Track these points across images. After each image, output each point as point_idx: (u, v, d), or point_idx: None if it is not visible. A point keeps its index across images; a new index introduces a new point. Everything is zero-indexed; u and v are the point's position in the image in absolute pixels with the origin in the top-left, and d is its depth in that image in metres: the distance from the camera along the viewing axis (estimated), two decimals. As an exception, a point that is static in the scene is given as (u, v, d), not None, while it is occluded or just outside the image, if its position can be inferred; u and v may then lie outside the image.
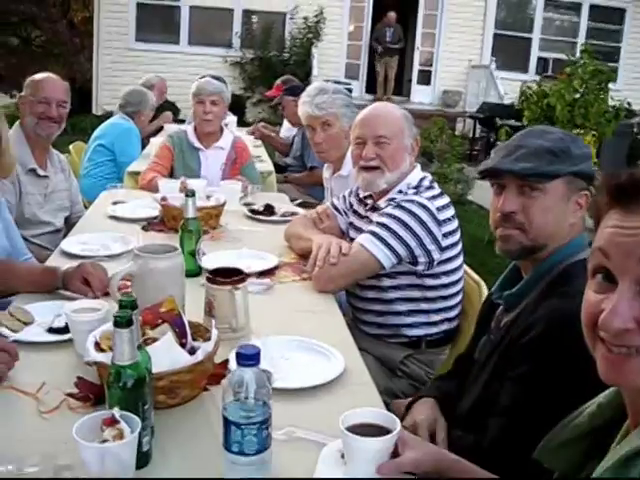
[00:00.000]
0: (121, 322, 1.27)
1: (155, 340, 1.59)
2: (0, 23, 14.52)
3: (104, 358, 1.53)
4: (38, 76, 3.33)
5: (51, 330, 1.96)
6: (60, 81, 3.36)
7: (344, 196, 2.84)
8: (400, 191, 2.53)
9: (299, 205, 3.71)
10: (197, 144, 4.08)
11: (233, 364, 1.72)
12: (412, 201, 2.42)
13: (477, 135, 13.05)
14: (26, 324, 2.00)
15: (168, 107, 7.95)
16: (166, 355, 1.50)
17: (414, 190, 2.50)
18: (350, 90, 8.96)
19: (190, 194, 2.36)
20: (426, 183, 2.54)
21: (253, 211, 3.34)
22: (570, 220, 1.71)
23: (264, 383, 1.26)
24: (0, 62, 13.78)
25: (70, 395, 1.62)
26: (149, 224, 3.13)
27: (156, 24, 14.41)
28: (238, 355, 1.24)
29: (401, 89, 15.49)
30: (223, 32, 14.26)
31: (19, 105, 3.32)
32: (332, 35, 14.26)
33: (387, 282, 2.49)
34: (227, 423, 1.26)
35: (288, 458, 1.39)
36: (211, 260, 2.52)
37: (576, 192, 1.70)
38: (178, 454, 1.41)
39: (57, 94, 3.28)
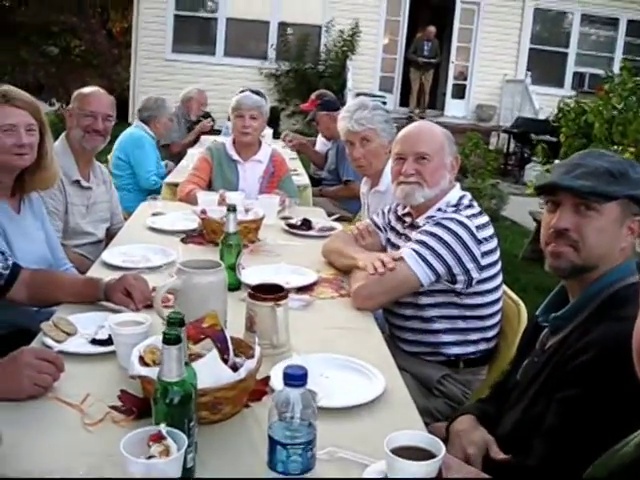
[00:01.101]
0: (170, 339, 1.29)
1: (199, 356, 1.61)
2: (41, 33, 14.79)
3: (149, 372, 1.55)
4: (86, 90, 3.40)
5: (94, 341, 1.99)
6: (106, 95, 3.42)
7: (383, 212, 2.85)
8: (439, 209, 2.53)
9: (336, 220, 3.71)
10: (235, 157, 4.11)
11: (274, 381, 1.75)
12: (451, 219, 2.42)
13: (511, 150, 12.97)
14: (69, 335, 2.03)
15: (204, 117, 8.03)
16: (210, 371, 1.51)
17: (454, 208, 2.50)
18: (384, 103, 8.98)
19: (232, 209, 2.38)
20: (465, 201, 2.54)
21: (291, 225, 3.36)
22: (621, 244, 1.70)
23: (310, 404, 1.27)
24: (40, 71, 14.03)
25: (114, 408, 1.64)
26: (188, 236, 3.16)
27: (193, 35, 14.60)
28: (285, 375, 1.25)
29: (435, 103, 15.47)
30: (259, 44, 14.39)
31: (66, 117, 3.39)
32: (367, 48, 14.31)
33: (425, 300, 2.49)
34: (272, 442, 1.27)
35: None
36: (250, 274, 2.53)
37: (630, 217, 1.70)
38: (221, 471, 1.42)
39: (103, 108, 3.34)
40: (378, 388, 1.78)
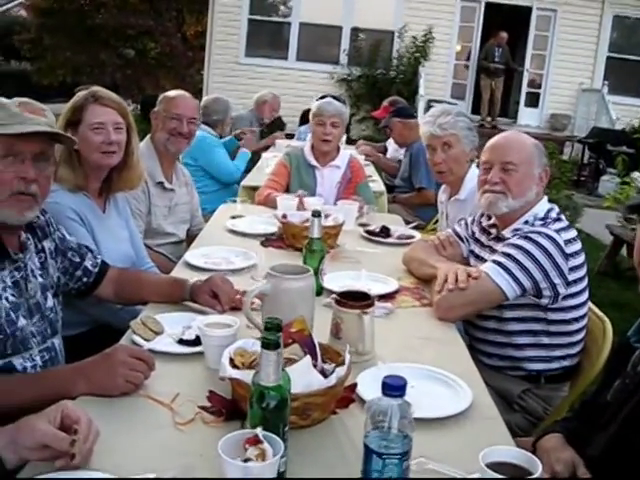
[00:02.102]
0: (269, 344, 1.30)
1: (288, 360, 1.62)
2: (118, 36, 15.20)
3: (240, 375, 1.57)
4: (172, 93, 3.47)
5: (181, 342, 2.02)
6: (192, 98, 3.49)
7: (466, 223, 2.82)
8: (526, 222, 2.48)
9: (414, 228, 3.69)
10: (314, 162, 4.13)
11: (361, 389, 1.74)
12: (539, 232, 2.37)
13: (585, 161, 12.69)
14: (157, 334, 2.07)
15: (275, 121, 8.09)
16: (302, 377, 1.52)
17: (541, 221, 2.45)
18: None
19: (316, 214, 2.39)
20: (553, 215, 2.49)
21: (369, 232, 3.35)
22: None
23: (407, 415, 1.26)
24: (117, 73, 14.40)
25: (203, 408, 1.66)
26: (267, 240, 3.19)
27: (266, 40, 14.74)
28: (385, 385, 1.25)
29: (507, 111, 15.25)
30: (331, 49, 14.44)
31: (151, 120, 3.46)
32: (439, 54, 14.20)
33: (509, 313, 2.45)
34: (368, 451, 1.26)
35: (421, 490, 1.38)
36: (331, 280, 2.54)
37: None
38: (309, 474, 1.42)
39: (189, 111, 3.41)
40: (465, 401, 1.76)
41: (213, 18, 14.25)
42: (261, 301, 2.01)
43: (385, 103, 7.20)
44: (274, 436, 1.28)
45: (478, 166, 3.29)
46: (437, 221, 5.49)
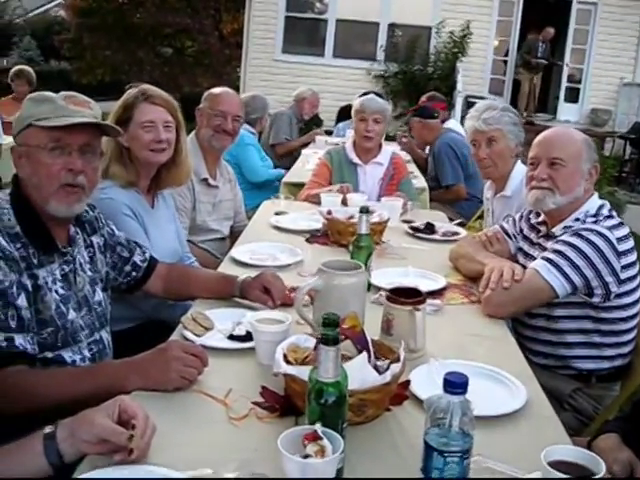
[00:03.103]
0: (328, 340, 1.29)
1: (342, 357, 1.61)
2: (156, 34, 15.32)
3: (295, 371, 1.56)
4: (216, 90, 3.48)
5: (232, 337, 2.02)
6: (236, 96, 3.50)
7: (514, 220, 2.78)
8: (577, 219, 2.44)
9: (458, 225, 3.66)
10: (356, 160, 4.11)
11: (414, 386, 1.73)
12: (591, 230, 2.33)
13: (627, 157, 12.47)
14: (207, 329, 2.08)
15: (313, 118, 8.08)
16: (358, 373, 1.51)
17: (593, 218, 2.40)
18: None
19: (364, 210, 2.38)
20: (605, 211, 2.44)
21: (414, 228, 3.33)
22: None
23: (468, 412, 1.25)
24: (155, 71, 14.52)
25: (256, 404, 1.67)
26: (312, 236, 3.18)
27: (302, 36, 14.72)
28: (447, 382, 1.23)
29: (546, 107, 15.05)
30: (367, 45, 14.36)
31: (196, 117, 3.47)
32: (477, 49, 14.04)
33: (559, 312, 2.41)
34: (429, 449, 1.25)
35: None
36: (378, 277, 2.53)
37: None
38: (365, 473, 1.41)
39: (233, 108, 3.42)
40: (520, 399, 1.74)
41: (250, 15, 14.27)
42: (312, 297, 2.01)
43: (423, 98, 7.15)
44: (333, 433, 1.28)
45: (524, 162, 3.27)
46: (479, 217, 5.48)
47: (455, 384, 1.23)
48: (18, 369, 1.74)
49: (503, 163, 3.28)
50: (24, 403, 1.71)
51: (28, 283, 1.84)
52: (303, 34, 14.75)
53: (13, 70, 7.56)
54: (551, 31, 13.68)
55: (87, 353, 2.00)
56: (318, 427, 1.28)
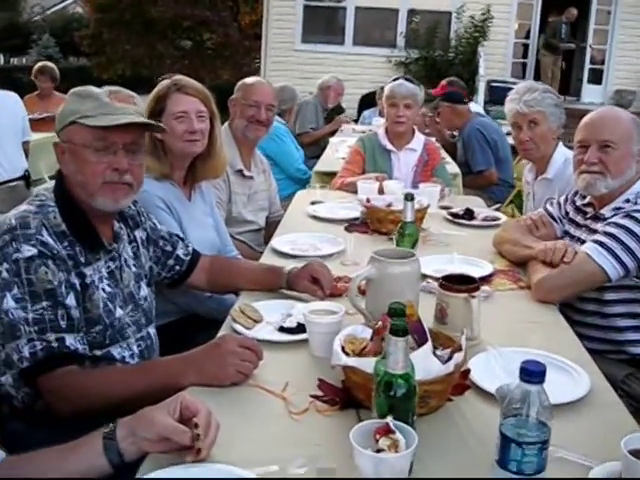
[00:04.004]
0: (398, 331, 1.26)
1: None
2: (175, 27, 15.30)
3: (357, 363, 1.53)
4: (249, 80, 3.45)
5: (282, 329, 1.99)
6: (269, 85, 3.46)
7: (559, 203, 2.72)
8: (627, 200, 2.38)
9: (495, 210, 3.61)
10: (389, 146, 4.05)
11: (474, 375, 1.69)
12: None
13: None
14: (256, 322, 2.05)
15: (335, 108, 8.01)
16: (422, 363, 1.47)
17: (644, 199, 2.35)
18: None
19: (409, 198, 2.34)
20: (657, 192, 2.38)
21: (453, 215, 3.28)
22: None
23: (546, 402, 1.20)
24: (176, 64, 14.51)
25: (315, 397, 1.63)
26: (351, 225, 3.14)
27: (322, 26, 14.64)
28: (524, 371, 1.19)
29: (569, 88, 14.85)
30: (387, 32, 14.26)
31: (229, 107, 3.44)
32: (498, 33, 13.88)
33: (610, 295, 2.36)
34: (506, 440, 1.21)
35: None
36: (424, 264, 2.46)
37: None
38: (437, 465, 1.37)
39: (267, 98, 3.37)
40: (583, 386, 1.69)
41: (269, 6, 14.21)
42: (359, 287, 1.96)
43: (443, 82, 7.08)
44: (406, 426, 1.24)
45: (565, 144, 3.21)
46: (511, 202, 5.41)
47: (533, 373, 1.19)
48: (70, 369, 1.73)
49: (545, 145, 3.21)
50: (78, 403, 1.69)
51: (76, 282, 1.82)
52: (322, 23, 14.68)
53: (36, 67, 7.55)
54: (574, 12, 13.49)
55: (136, 349, 1.99)
56: (390, 420, 1.24)
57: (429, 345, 1.51)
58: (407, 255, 1.90)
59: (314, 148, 6.66)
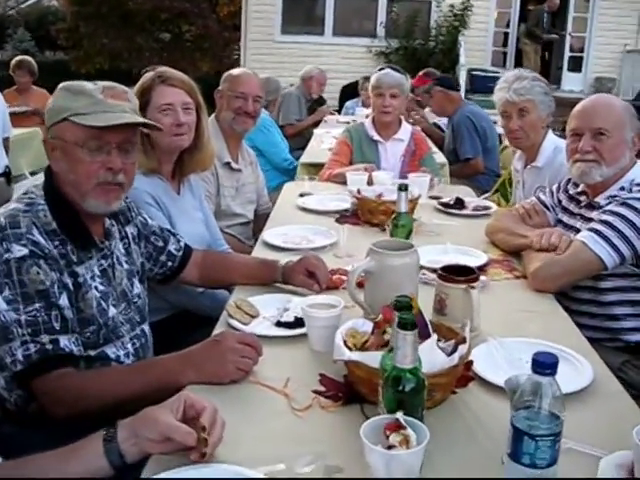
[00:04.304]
0: (406, 324, 1.23)
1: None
2: (154, 19, 15.14)
3: (362, 358, 1.50)
4: (235, 71, 3.41)
5: (279, 324, 1.96)
6: (256, 76, 3.42)
7: (551, 191, 2.71)
8: (622, 188, 2.37)
9: (486, 199, 3.60)
10: (376, 137, 4.03)
11: (477, 366, 1.67)
12: (639, 199, 2.27)
13: (634, 124, 12.33)
14: (253, 317, 2.02)
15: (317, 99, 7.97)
16: (427, 356, 1.44)
17: (639, 187, 2.34)
18: (497, 79, 8.75)
19: (403, 188, 2.31)
20: (651, 179, 2.37)
21: (444, 204, 3.26)
22: None
23: (558, 393, 1.19)
24: (155, 57, 14.37)
25: (317, 393, 1.61)
26: (342, 217, 3.12)
27: (301, 16, 14.56)
28: (536, 362, 1.17)
29: (548, 76, 14.89)
30: (367, 22, 14.21)
31: (215, 99, 3.39)
32: (478, 22, 13.89)
33: (606, 284, 2.35)
34: (518, 432, 1.19)
35: (564, 470, 1.30)
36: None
37: None
38: (446, 459, 1.35)
39: (254, 89, 3.33)
40: (587, 375, 1.68)
41: (248, -3, 14.12)
42: (362, 279, 1.94)
43: (420, 73, 7.09)
44: (417, 421, 1.22)
45: (554, 132, 3.20)
46: (497, 191, 5.41)
47: (545, 364, 1.17)
48: (65, 372, 1.69)
49: (535, 134, 3.21)
50: (73, 405, 1.66)
51: (69, 281, 1.78)
52: (302, 14, 14.60)
53: (14, 61, 7.44)
54: (556, 1, 13.52)
55: (130, 348, 1.95)
56: (400, 416, 1.21)
57: (434, 337, 1.48)
58: (406, 247, 1.87)
59: (298, 139, 6.62)
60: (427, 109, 6.72)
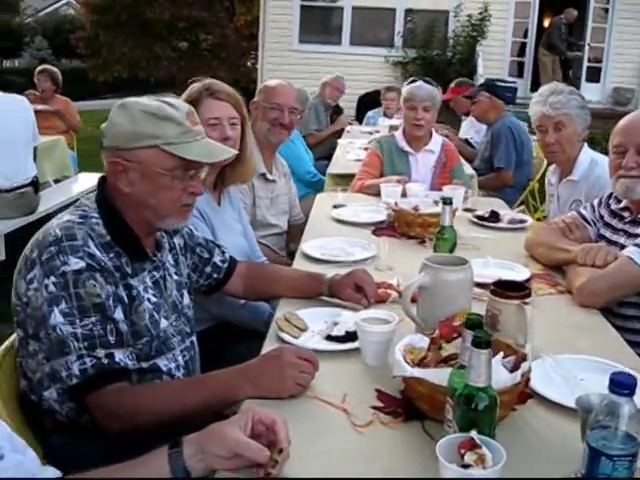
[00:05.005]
0: (481, 343, 1.23)
1: (455, 355, 1.55)
2: (172, 28, 15.22)
3: (422, 374, 1.50)
4: (272, 82, 3.42)
5: (330, 338, 1.96)
6: (292, 88, 3.43)
7: (592, 206, 2.70)
8: (667, 204, 2.37)
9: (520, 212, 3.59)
10: (407, 148, 4.02)
11: (534, 382, 1.67)
12: None
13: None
14: (302, 330, 2.02)
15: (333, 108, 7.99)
16: (492, 374, 1.44)
17: (684, 204, 2.33)
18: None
19: (448, 202, 2.31)
20: (694, 195, 2.36)
21: (479, 217, 3.26)
22: None
23: (635, 414, 1.18)
24: (173, 66, 14.43)
25: (376, 409, 1.60)
26: (378, 229, 3.11)
27: (318, 25, 14.58)
28: (614, 382, 1.17)
29: (566, 87, 14.85)
30: (385, 32, 14.21)
31: (251, 110, 3.40)
32: (496, 32, 13.87)
33: (652, 300, 2.34)
34: (595, 453, 1.19)
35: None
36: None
37: None
38: (515, 476, 1.35)
39: (290, 101, 3.34)
40: (643, 394, 1.67)
41: (265, 6, 14.16)
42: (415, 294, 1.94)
43: (452, 85, 7.08)
44: (492, 441, 1.22)
45: (589, 145, 3.19)
46: (521, 203, 5.41)
47: (624, 385, 1.16)
48: (120, 387, 1.68)
49: (571, 148, 3.20)
50: (128, 420, 1.65)
51: (124, 294, 1.78)
52: (319, 23, 14.62)
53: (37, 69, 7.50)
54: (574, 13, 13.51)
55: (181, 360, 1.95)
56: (474, 434, 1.21)
57: (500, 355, 1.48)
58: (460, 262, 1.87)
59: (320, 149, 6.64)
60: (466, 120, 6.69)
